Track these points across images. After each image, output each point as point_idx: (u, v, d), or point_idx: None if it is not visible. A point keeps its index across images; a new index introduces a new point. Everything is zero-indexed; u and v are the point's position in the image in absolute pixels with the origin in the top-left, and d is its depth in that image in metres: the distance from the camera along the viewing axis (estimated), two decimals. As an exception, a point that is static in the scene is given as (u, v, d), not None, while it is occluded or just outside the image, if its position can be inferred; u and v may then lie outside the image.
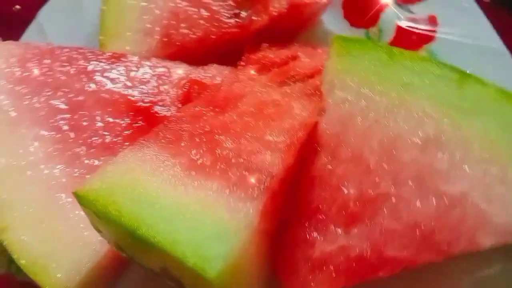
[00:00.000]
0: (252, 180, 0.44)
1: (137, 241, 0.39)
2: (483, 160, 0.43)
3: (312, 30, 0.70)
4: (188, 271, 0.37)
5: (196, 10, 0.65)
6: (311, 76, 0.59)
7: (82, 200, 0.42)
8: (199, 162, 0.45)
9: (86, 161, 0.54)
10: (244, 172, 0.44)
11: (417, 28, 0.62)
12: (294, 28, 0.68)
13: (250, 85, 0.57)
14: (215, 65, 0.63)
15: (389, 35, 0.64)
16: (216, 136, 0.48)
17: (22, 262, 0.49)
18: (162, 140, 0.47)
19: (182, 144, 0.47)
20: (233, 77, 0.58)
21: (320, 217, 0.49)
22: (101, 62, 0.61)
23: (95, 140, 0.56)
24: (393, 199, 0.46)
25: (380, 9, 0.65)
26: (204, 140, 0.48)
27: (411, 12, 0.64)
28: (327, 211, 0.49)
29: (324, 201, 0.49)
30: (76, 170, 0.54)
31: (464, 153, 0.44)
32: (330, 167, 0.50)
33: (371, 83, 0.51)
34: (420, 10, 0.63)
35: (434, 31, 0.61)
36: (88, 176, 0.53)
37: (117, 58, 0.62)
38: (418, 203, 0.45)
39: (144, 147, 0.46)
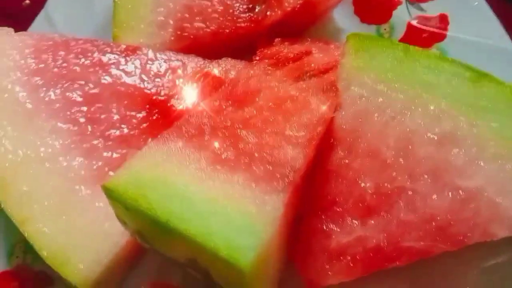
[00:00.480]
0: (277, 174, 0.45)
1: (167, 233, 0.40)
2: (498, 156, 0.45)
3: (323, 25, 0.71)
4: (220, 262, 0.38)
5: (210, 3, 0.66)
6: (326, 71, 0.60)
7: (111, 193, 0.42)
8: (223, 156, 0.46)
9: (104, 154, 0.55)
10: (268, 166, 0.45)
11: (428, 26, 0.63)
12: (306, 23, 0.69)
13: (266, 80, 0.57)
14: (229, 59, 0.64)
15: (400, 32, 0.65)
16: (238, 130, 0.49)
17: (44, 253, 0.49)
18: (185, 134, 0.48)
19: (205, 138, 0.48)
20: (248, 71, 0.59)
21: (337, 209, 0.50)
22: (116, 54, 0.61)
23: (112, 132, 0.56)
24: (410, 192, 0.48)
25: (392, 7, 0.66)
26: (227, 134, 0.48)
27: (422, 10, 0.65)
28: (343, 204, 0.50)
29: (340, 194, 0.50)
30: (94, 162, 0.54)
31: (479, 149, 0.46)
32: (346, 161, 0.52)
33: (387, 80, 0.53)
34: (431, 8, 0.65)
35: (445, 29, 0.62)
36: (106, 168, 0.54)
37: (132, 51, 0.62)
38: (434, 197, 0.47)
39: (169, 141, 0.47)
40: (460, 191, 0.46)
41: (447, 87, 0.50)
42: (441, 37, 0.62)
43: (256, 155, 0.46)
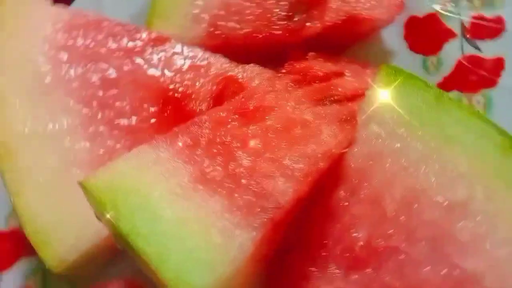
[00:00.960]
0: (257, 207, 0.42)
1: (128, 244, 0.39)
2: (508, 243, 0.39)
3: (368, 44, 0.65)
4: (166, 288, 0.37)
5: (248, 4, 0.63)
6: (351, 99, 0.55)
7: (85, 191, 0.42)
8: (209, 175, 0.44)
9: (108, 142, 0.54)
10: (251, 197, 0.43)
11: (480, 69, 0.56)
12: (348, 40, 0.64)
13: (284, 97, 0.54)
14: (256, 67, 0.60)
15: (448, 69, 0.59)
16: (235, 149, 0.47)
17: (27, 229, 0.50)
18: (179, 143, 0.46)
19: (198, 152, 0.45)
20: (269, 85, 0.56)
21: (323, 253, 0.47)
22: (144, 42, 0.60)
23: (121, 122, 0.56)
24: (402, 256, 0.43)
25: (444, 39, 0.59)
26: (221, 151, 0.46)
27: (477, 48, 0.58)
28: (331, 249, 0.47)
29: (331, 237, 0.47)
30: (96, 148, 0.54)
31: (490, 229, 0.40)
32: (346, 203, 0.48)
33: (410, 125, 0.48)
34: (488, 49, 0.57)
35: (497, 75, 0.55)
36: (107, 156, 0.54)
37: (161, 41, 0.61)
38: (427, 268, 0.42)
39: (160, 147, 0.45)
40: (457, 270, 0.41)
41: (473, 148, 0.44)
42: (491, 83, 0.55)
43: (244, 181, 0.44)
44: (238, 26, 0.62)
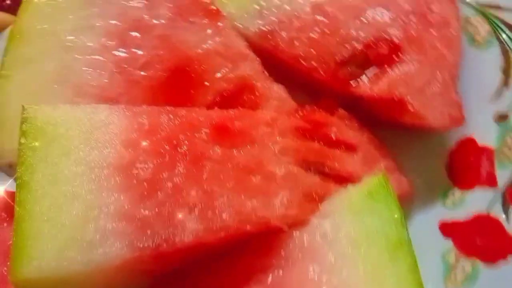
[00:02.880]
0: (151, 230, 0.40)
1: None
2: None
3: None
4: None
5: (316, 30, 0.56)
6: (338, 181, 0.50)
7: (24, 113, 0.42)
8: (134, 170, 0.42)
9: (104, 79, 0.54)
10: (154, 216, 0.40)
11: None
12: (387, 118, 0.56)
13: (274, 139, 0.49)
14: (282, 91, 0.56)
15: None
16: (180, 160, 0.44)
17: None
18: (139, 120, 0.44)
19: (144, 142, 0.43)
20: (272, 118, 0.51)
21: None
22: (198, 8, 0.57)
23: (126, 66, 0.54)
24: None
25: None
26: (167, 154, 0.44)
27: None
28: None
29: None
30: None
31: None
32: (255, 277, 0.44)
33: (356, 245, 0.42)
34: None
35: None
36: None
37: (214, 15, 0.57)
38: None
39: (115, 114, 0.43)
40: None
41: None
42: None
43: (160, 196, 0.41)
44: (293, 42, 0.57)
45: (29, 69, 0.54)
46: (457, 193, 0.55)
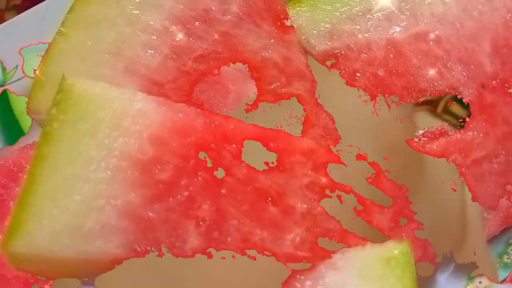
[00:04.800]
0: (150, 235, 0.38)
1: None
2: None
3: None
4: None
5: (389, 70, 0.52)
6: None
7: (61, 83, 0.41)
8: (152, 171, 0.40)
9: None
10: (156, 224, 0.39)
11: None
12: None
13: (303, 171, 0.47)
14: (331, 118, 0.53)
15: None
16: (204, 170, 0.42)
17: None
18: (174, 118, 0.42)
19: (173, 143, 0.42)
20: (309, 150, 0.48)
21: None
22: (266, 17, 0.55)
23: (182, 54, 0.53)
24: None
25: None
26: (193, 161, 0.42)
27: None
28: None
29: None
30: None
31: None
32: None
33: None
34: None
35: None
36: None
37: (282, 29, 0.55)
38: None
39: (155, 103, 0.42)
40: None
41: None
42: None
43: (177, 203, 0.40)
44: (355, 74, 0.53)
45: (88, 32, 0.53)
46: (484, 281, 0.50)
